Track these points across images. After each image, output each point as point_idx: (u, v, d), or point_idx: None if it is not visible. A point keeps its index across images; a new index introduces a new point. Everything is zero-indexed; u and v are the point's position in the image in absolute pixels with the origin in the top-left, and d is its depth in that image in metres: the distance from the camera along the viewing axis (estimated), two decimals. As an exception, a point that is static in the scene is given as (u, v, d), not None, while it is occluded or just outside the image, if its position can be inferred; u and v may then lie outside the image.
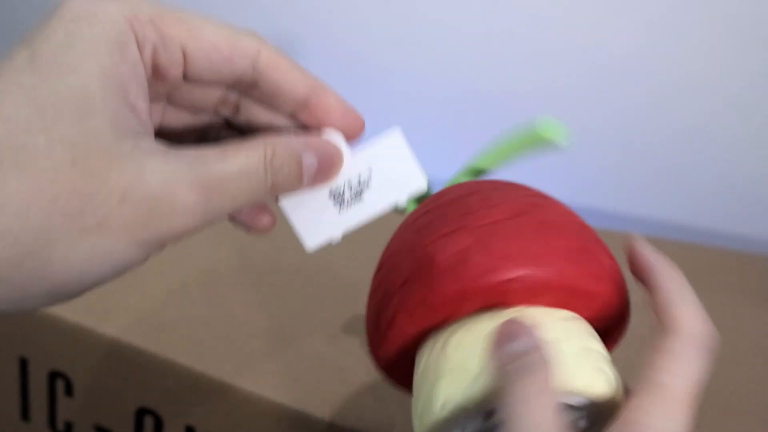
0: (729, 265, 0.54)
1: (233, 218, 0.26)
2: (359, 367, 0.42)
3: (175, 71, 0.23)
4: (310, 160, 0.24)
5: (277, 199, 0.25)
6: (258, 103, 0.25)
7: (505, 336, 0.22)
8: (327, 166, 0.24)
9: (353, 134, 0.25)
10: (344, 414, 0.40)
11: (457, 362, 0.23)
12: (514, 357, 0.21)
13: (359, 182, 0.25)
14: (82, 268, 0.20)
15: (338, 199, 0.26)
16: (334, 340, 0.44)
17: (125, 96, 0.20)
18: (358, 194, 0.25)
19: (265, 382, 0.41)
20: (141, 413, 0.44)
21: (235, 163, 0.22)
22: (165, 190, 0.20)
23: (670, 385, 0.21)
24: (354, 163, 0.25)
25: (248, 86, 0.24)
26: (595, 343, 0.24)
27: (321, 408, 0.40)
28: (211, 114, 0.26)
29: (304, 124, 0.25)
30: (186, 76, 0.23)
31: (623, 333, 0.26)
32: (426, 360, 0.24)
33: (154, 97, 0.24)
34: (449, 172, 0.30)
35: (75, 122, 0.19)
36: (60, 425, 0.47)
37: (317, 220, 0.26)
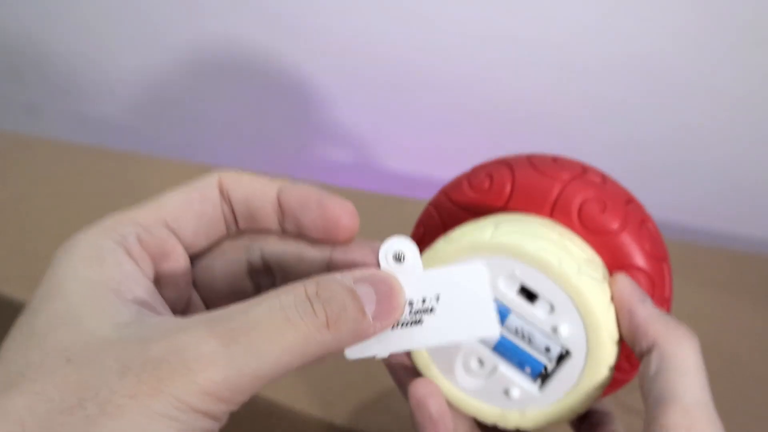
0: (729, 265, 0.54)
1: None
2: (360, 368, 0.42)
3: (170, 246, 0.23)
4: (365, 289, 0.21)
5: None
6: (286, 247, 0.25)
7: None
8: (388, 294, 0.22)
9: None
10: (345, 415, 0.40)
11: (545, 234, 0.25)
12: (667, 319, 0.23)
13: (423, 305, 0.23)
14: None
15: None
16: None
17: (118, 295, 0.20)
18: (418, 317, 0.23)
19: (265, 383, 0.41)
20: (141, 413, 0.44)
21: (264, 304, 0.20)
22: (171, 348, 0.18)
23: (691, 400, 0.22)
24: (422, 282, 0.23)
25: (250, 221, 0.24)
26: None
27: (322, 409, 0.40)
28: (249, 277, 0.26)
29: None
30: (188, 248, 0.24)
31: None
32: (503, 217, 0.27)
33: (173, 278, 0.24)
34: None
35: (66, 330, 0.19)
36: (60, 425, 0.47)
37: None
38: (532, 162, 0.28)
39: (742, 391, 0.42)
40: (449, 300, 0.22)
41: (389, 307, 0.22)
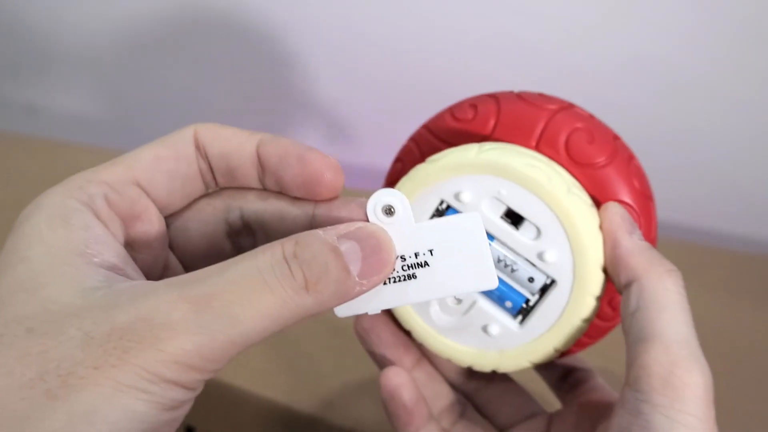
0: (729, 265, 0.54)
1: None
2: (359, 367, 0.42)
3: (142, 206, 0.22)
4: (350, 246, 0.19)
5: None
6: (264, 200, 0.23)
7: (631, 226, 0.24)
8: (376, 249, 0.20)
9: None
10: (344, 414, 0.40)
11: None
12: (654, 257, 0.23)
13: (416, 259, 0.21)
14: None
15: None
16: (334, 340, 0.44)
17: (85, 259, 0.19)
18: (411, 272, 0.21)
19: (265, 382, 0.41)
20: (141, 413, 0.44)
21: (240, 265, 0.18)
22: (139, 315, 0.17)
23: (672, 337, 0.21)
24: (414, 235, 0.21)
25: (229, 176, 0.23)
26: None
27: (321, 408, 0.40)
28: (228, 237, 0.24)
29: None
30: (163, 209, 0.22)
31: None
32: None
33: (146, 241, 0.22)
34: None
35: (27, 298, 0.18)
36: (60, 425, 0.47)
37: None
38: (518, 95, 0.27)
39: (742, 391, 0.42)
40: (444, 253, 0.21)
41: (378, 264, 0.20)
